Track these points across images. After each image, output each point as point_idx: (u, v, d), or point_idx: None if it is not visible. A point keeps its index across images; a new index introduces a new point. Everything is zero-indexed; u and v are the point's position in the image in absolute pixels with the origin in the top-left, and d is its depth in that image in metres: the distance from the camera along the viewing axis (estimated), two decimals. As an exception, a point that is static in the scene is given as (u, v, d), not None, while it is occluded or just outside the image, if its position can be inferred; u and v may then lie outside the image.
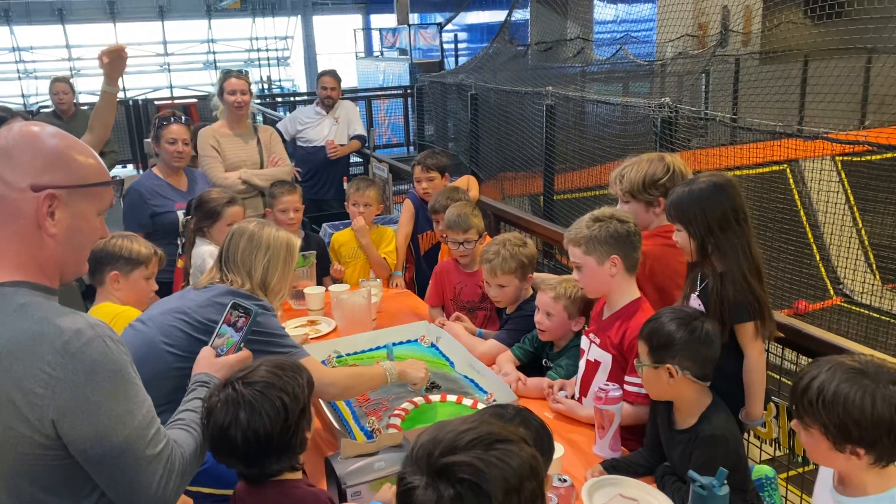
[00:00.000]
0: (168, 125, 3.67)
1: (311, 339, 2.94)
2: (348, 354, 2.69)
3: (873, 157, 7.25)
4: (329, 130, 5.69)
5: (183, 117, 3.77)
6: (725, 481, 1.56)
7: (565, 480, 1.79)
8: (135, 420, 1.32)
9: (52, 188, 1.33)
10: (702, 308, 2.12)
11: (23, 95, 19.10)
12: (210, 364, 1.71)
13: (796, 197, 8.42)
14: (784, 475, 2.56)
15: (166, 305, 2.15)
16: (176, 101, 12.61)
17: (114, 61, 2.86)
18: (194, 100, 12.23)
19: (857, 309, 7.56)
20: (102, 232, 1.47)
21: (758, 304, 2.04)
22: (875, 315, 7.27)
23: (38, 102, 16.30)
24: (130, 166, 10.72)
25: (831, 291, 7.98)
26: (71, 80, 5.99)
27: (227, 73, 4.25)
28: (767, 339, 2.15)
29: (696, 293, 2.16)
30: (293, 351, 2.07)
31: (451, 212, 3.18)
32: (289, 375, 1.57)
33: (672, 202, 2.18)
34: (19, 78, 19.86)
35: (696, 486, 1.56)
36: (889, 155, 7.02)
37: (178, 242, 3.64)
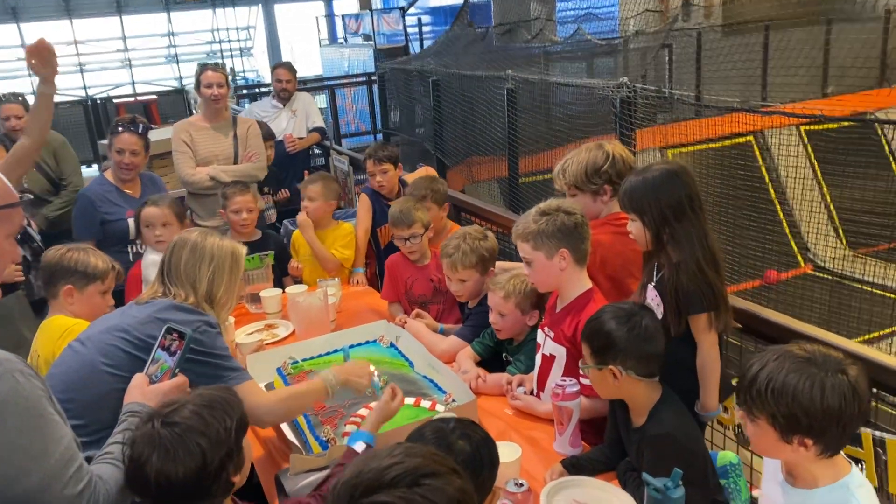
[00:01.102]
0: (119, 134, 3.54)
1: (267, 344, 2.86)
2: (304, 360, 2.62)
3: (823, 126, 7.30)
4: (287, 124, 5.59)
5: (140, 126, 3.62)
6: (681, 482, 1.52)
7: (522, 485, 1.74)
8: (51, 459, 1.25)
9: None
10: (658, 299, 2.08)
11: (-21, 98, 18.62)
12: (142, 393, 1.63)
13: (762, 167, 8.46)
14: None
15: (106, 323, 2.05)
16: (138, 99, 12.35)
17: (42, 59, 2.67)
18: (154, 97, 12.00)
19: (826, 276, 7.64)
20: (13, 256, 1.40)
21: (713, 295, 2.00)
22: (843, 281, 7.34)
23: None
24: (95, 166, 10.50)
25: (800, 259, 8.05)
26: (25, 99, 5.24)
27: (203, 66, 4.17)
28: (723, 332, 2.10)
29: (653, 283, 2.12)
30: (233, 375, 1.97)
31: (393, 208, 3.13)
32: (216, 417, 1.46)
33: (626, 191, 2.14)
34: (-26, 80, 19.35)
35: (651, 489, 1.52)
36: (833, 125, 7.07)
37: (129, 251, 3.55)
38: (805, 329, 2.15)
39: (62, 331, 2.35)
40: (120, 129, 3.56)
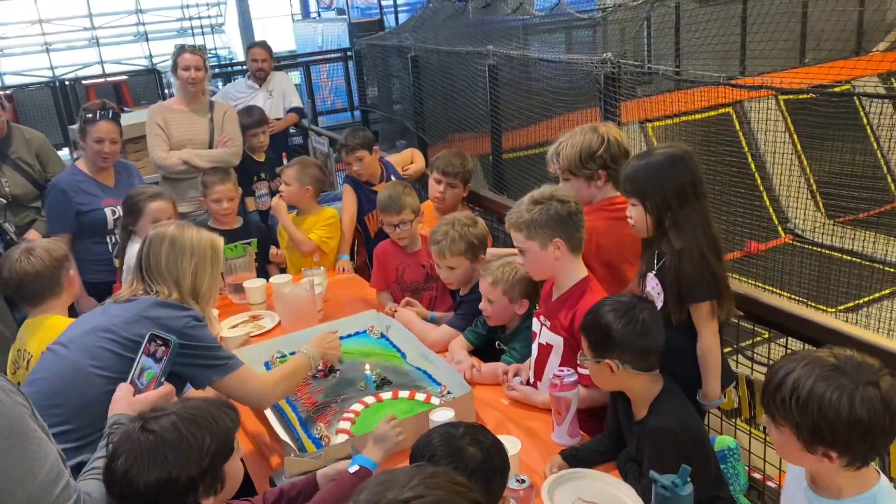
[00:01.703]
0: (96, 122, 3.39)
1: (253, 337, 2.80)
2: (292, 353, 2.55)
3: (801, 97, 7.30)
4: (263, 104, 5.44)
5: (111, 112, 3.49)
6: (689, 479, 1.49)
7: (524, 481, 1.71)
8: (35, 479, 1.19)
9: None
10: (659, 287, 2.04)
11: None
12: (128, 403, 1.58)
13: (742, 138, 8.47)
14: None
15: (88, 324, 1.99)
16: (108, 80, 12.00)
17: None
18: (125, 76, 11.69)
19: (806, 246, 7.69)
20: None
21: (715, 283, 1.96)
22: (823, 251, 7.40)
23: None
24: (66, 150, 10.23)
25: (780, 230, 8.09)
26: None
27: (181, 49, 4.06)
28: (725, 319, 2.07)
29: (654, 272, 2.07)
30: (227, 363, 1.96)
31: (382, 194, 3.05)
32: (195, 433, 1.39)
33: (628, 176, 2.08)
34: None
35: (658, 486, 1.49)
36: (788, 96, 7.06)
37: (108, 241, 3.45)
38: (811, 316, 2.11)
39: (59, 330, 2.29)
40: (93, 116, 3.42)
